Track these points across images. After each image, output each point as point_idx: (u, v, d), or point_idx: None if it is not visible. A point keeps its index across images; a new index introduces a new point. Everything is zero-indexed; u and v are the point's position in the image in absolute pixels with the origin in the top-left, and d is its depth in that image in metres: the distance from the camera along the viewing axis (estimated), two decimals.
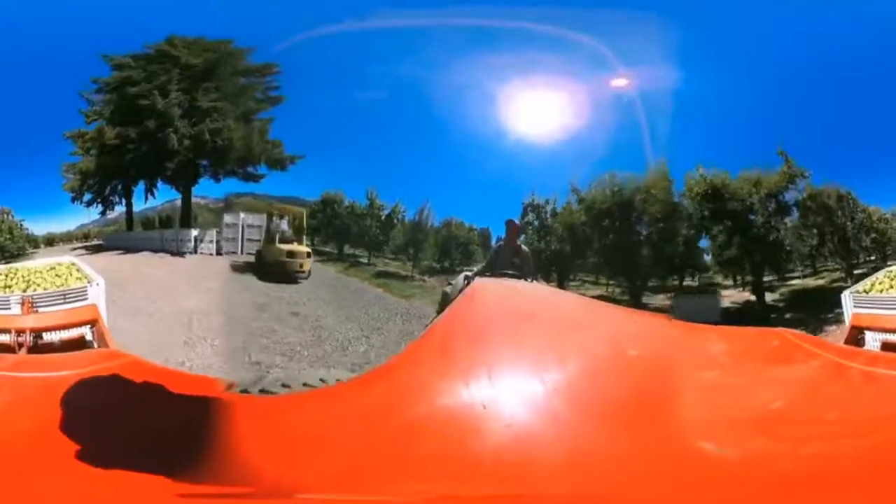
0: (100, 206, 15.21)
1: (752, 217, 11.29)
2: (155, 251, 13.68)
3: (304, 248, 9.01)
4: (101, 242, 16.00)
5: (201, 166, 13.85)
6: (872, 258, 15.04)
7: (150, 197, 14.95)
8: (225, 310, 8.21)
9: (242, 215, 12.00)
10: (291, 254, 8.87)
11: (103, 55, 12.04)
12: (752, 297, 11.30)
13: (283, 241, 9.04)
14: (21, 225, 13.49)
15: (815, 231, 12.20)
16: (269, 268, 8.79)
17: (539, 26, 9.55)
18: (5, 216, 12.95)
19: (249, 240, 11.83)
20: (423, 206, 10.37)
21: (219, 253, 12.52)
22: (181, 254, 13.01)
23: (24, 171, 12.25)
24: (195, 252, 12.70)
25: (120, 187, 14.96)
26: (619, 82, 10.23)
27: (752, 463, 1.27)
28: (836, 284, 13.20)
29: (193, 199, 15.59)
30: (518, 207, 11.14)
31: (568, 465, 1.30)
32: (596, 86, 10.23)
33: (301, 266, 8.84)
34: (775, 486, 1.17)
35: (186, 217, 14.27)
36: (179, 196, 15.35)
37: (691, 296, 9.89)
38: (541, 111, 10.69)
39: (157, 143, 12.64)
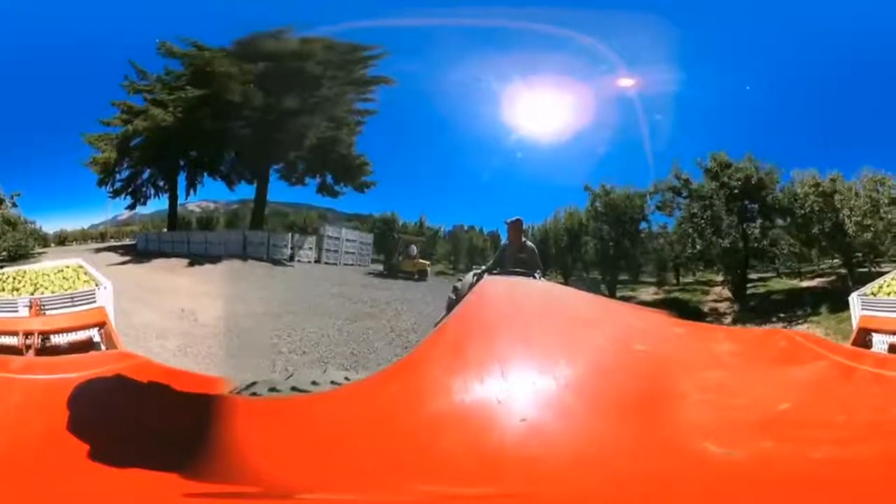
0: (128, 197, 13.53)
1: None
2: (238, 258, 12.68)
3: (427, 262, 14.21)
4: (128, 243, 14.37)
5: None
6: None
7: (191, 192, 13.81)
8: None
9: (344, 231, 14.48)
10: (428, 265, 14.04)
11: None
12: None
13: (413, 256, 13.89)
14: (10, 201, 11.25)
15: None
16: (410, 273, 13.63)
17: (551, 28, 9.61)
18: None
19: (348, 252, 14.38)
20: (459, 225, 15.73)
21: (317, 261, 13.80)
22: (277, 261, 13.04)
23: (28, 160, 11.39)
24: (292, 260, 13.38)
25: (158, 179, 13.48)
26: (624, 82, 10.28)
27: (760, 464, 1.27)
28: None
29: (193, 203, 14.79)
30: (525, 207, 13.52)
31: (581, 460, 1.30)
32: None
33: (428, 272, 14.04)
34: (783, 489, 1.16)
35: (259, 218, 13.47)
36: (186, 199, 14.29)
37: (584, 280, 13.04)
38: (551, 113, 10.83)
39: (284, 124, 11.90)
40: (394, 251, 14.16)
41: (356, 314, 9.75)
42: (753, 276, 13.22)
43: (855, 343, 3.84)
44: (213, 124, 11.92)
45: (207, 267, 12.42)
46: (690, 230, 11.57)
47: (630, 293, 12.99)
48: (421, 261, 13.93)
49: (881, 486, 1.16)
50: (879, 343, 3.77)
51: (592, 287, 12.02)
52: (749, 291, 12.41)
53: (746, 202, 11.28)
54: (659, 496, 1.16)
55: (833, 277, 11.87)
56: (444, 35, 10.37)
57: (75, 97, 11.77)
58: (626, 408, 1.54)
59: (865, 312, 4.23)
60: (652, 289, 13.46)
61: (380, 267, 14.64)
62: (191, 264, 12.52)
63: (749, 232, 11.13)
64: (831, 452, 1.32)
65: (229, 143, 12.38)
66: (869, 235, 10.49)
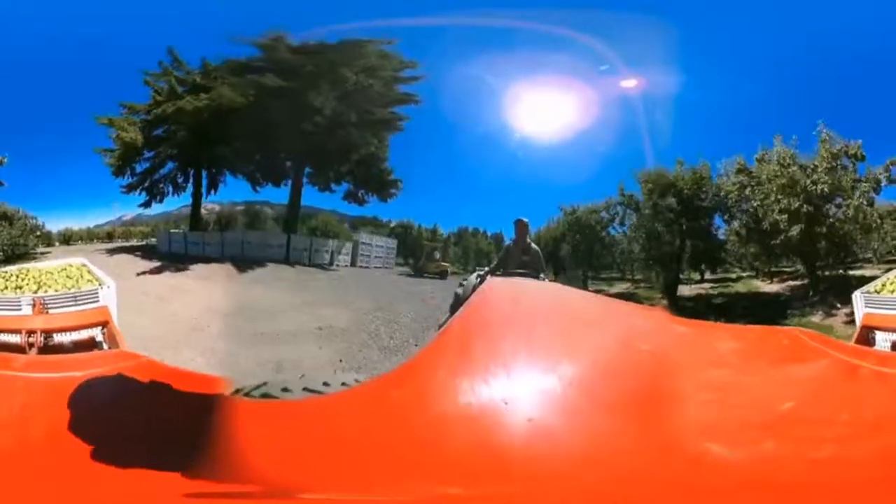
0: (143, 193, 12.76)
1: None
2: (280, 262, 12.80)
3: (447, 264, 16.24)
4: (137, 244, 14.11)
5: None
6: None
7: (211, 191, 13.67)
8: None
9: (374, 238, 16.03)
10: (448, 266, 15.92)
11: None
12: None
13: (436, 260, 15.98)
14: None
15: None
16: (434, 273, 15.58)
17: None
18: None
19: (377, 257, 15.99)
20: (463, 228, 17.43)
21: (352, 265, 14.92)
22: (320, 266, 13.63)
23: (32, 154, 10.79)
24: (331, 264, 14.20)
25: (178, 174, 12.97)
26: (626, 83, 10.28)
27: (763, 465, 1.27)
28: None
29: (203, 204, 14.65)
30: (528, 208, 14.70)
31: (586, 460, 1.30)
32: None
33: (448, 272, 15.81)
34: (785, 489, 1.16)
35: (294, 222, 13.48)
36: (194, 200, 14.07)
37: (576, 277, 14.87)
38: (554, 114, 10.90)
39: (343, 134, 12.06)
40: (420, 256, 16.51)
41: (423, 300, 11.89)
42: (733, 274, 14.20)
43: (858, 341, 3.84)
44: (284, 119, 11.57)
45: (261, 272, 12.27)
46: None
47: (605, 287, 14.84)
48: (443, 263, 16.25)
49: (884, 485, 1.15)
50: (882, 341, 3.78)
51: (574, 281, 14.03)
52: (708, 291, 13.45)
53: (666, 209, 11.89)
54: (664, 495, 1.16)
55: (807, 281, 11.00)
56: (443, 36, 10.36)
57: (77, 95, 11.53)
58: (631, 407, 1.54)
59: (869, 310, 4.23)
60: (625, 284, 15.26)
61: (404, 269, 16.64)
62: (239, 269, 12.10)
63: (662, 238, 12.05)
64: (834, 452, 1.32)
65: (285, 142, 12.21)
66: (797, 230, 8.37)
